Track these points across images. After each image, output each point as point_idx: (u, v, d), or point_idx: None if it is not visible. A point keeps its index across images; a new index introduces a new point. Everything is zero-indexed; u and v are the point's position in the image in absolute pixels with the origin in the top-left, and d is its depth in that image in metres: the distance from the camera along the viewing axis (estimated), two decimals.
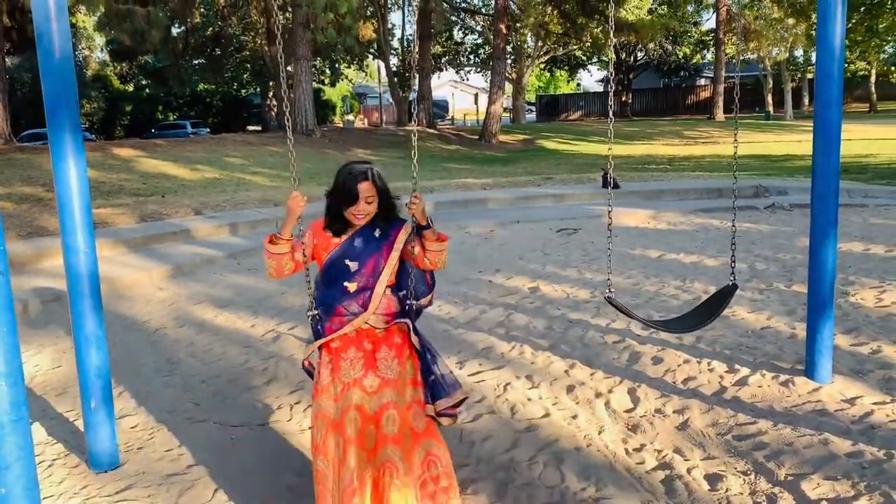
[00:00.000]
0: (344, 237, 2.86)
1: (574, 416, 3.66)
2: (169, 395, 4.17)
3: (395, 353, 2.80)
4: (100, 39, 41.76)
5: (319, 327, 2.85)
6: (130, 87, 45.74)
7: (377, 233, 2.86)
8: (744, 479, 3.00)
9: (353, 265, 2.82)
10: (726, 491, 2.92)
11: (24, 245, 8.10)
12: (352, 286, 2.82)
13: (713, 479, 3.02)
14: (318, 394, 2.74)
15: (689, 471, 3.09)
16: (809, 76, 42.09)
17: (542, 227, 9.31)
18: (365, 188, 2.76)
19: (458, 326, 5.24)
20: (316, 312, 2.87)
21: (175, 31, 31.16)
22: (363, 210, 2.78)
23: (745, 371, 4.16)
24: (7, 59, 23.65)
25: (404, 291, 2.90)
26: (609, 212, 3.67)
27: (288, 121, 2.89)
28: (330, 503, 2.61)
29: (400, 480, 2.61)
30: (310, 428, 2.75)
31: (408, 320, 2.85)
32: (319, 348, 2.84)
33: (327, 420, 2.68)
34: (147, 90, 44.59)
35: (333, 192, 2.82)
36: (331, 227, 2.86)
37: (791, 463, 3.11)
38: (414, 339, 2.83)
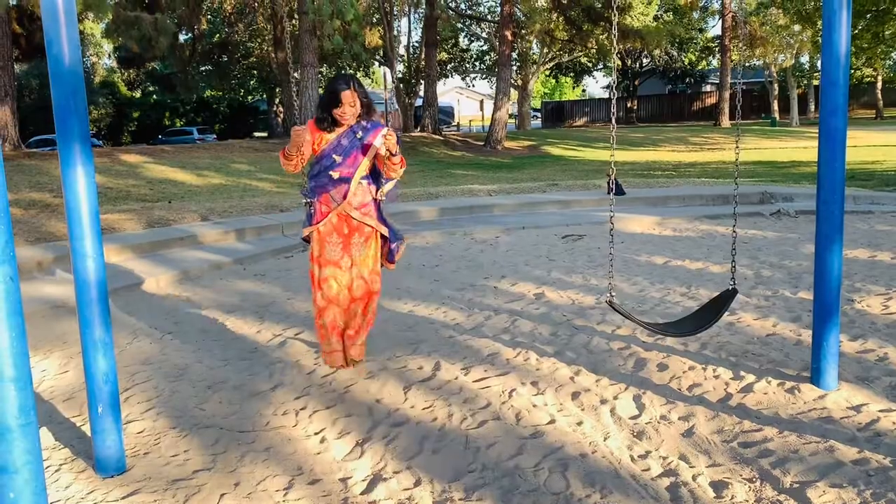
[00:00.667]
0: (333, 135, 3.96)
1: (579, 423, 3.66)
2: (175, 400, 4.18)
3: (364, 239, 4.09)
4: (108, 46, 42.04)
5: (312, 211, 4.07)
6: (138, 94, 46.01)
7: (359, 134, 3.96)
8: (749, 487, 3.00)
9: (338, 158, 3.94)
10: (732, 498, 2.92)
11: (33, 250, 8.14)
12: (335, 174, 3.95)
13: (718, 487, 3.01)
14: (312, 261, 4.15)
15: (694, 478, 3.09)
16: (815, 83, 42.04)
17: (548, 234, 9.32)
18: (347, 95, 3.86)
19: (462, 332, 5.25)
20: (309, 201, 4.06)
21: (182, 37, 31.34)
22: (347, 112, 3.89)
23: (750, 378, 4.15)
24: (16, 66, 23.80)
25: (374, 186, 4.12)
26: (611, 217, 3.69)
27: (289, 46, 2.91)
28: (325, 323, 4.21)
29: (354, 330, 4.28)
30: (310, 276, 4.22)
31: (375, 220, 4.10)
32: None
33: (316, 279, 4.12)
34: (154, 96, 44.84)
35: (323, 98, 3.93)
36: (322, 124, 3.95)
37: (797, 470, 3.11)
38: (382, 229, 4.16)
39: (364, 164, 3.97)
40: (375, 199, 4.12)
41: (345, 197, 3.97)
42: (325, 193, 3.99)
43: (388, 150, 3.85)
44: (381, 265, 4.35)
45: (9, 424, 2.15)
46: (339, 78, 3.94)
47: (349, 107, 3.87)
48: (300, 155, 3.93)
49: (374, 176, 4.11)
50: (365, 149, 3.96)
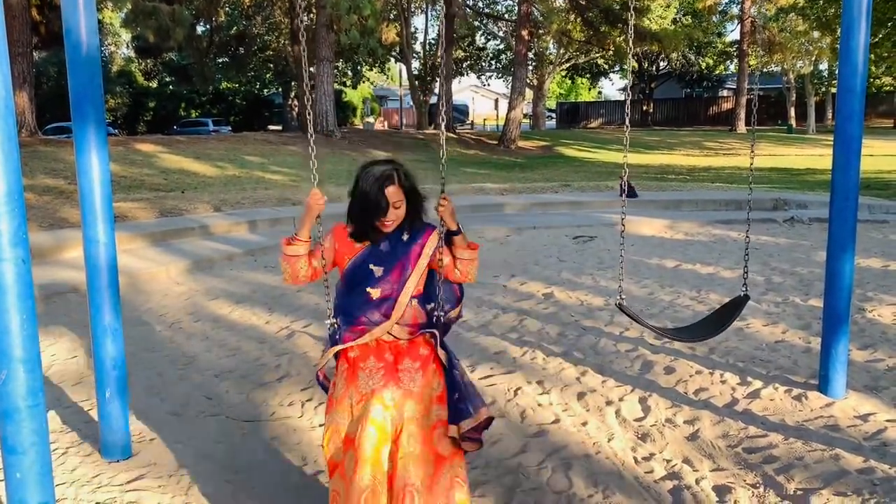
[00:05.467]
0: (368, 242, 2.64)
1: (584, 423, 3.66)
2: (182, 388, 4.21)
3: (420, 364, 2.55)
4: (125, 35, 42.22)
5: (338, 337, 2.60)
6: (154, 84, 46.19)
7: (405, 237, 2.64)
8: (752, 492, 2.99)
9: (377, 270, 2.61)
10: (735, 503, 2.91)
11: (46, 236, 8.21)
12: (375, 292, 2.59)
13: (722, 491, 3.00)
14: (332, 407, 2.54)
15: (697, 481, 3.08)
16: (833, 90, 41.68)
17: (559, 234, 9.30)
18: (392, 193, 2.53)
19: (470, 330, 5.26)
20: (335, 321, 2.63)
21: (200, 29, 31.45)
22: (391, 217, 2.55)
23: (757, 384, 4.13)
24: (35, 53, 23.99)
25: (432, 304, 2.66)
26: (622, 219, 3.68)
27: (310, 116, 2.87)
28: None
29: None
30: (322, 446, 2.56)
31: (435, 331, 2.61)
32: (336, 357, 2.60)
33: (341, 435, 2.47)
34: (171, 87, 44.99)
35: (357, 200, 2.56)
36: (355, 234, 2.63)
37: (801, 477, 3.09)
38: (441, 352, 2.60)
39: (414, 279, 2.61)
40: (433, 322, 2.64)
41: (388, 317, 2.58)
42: (360, 315, 2.59)
43: (442, 221, 2.61)
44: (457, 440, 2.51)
45: (17, 405, 2.17)
46: (377, 171, 2.55)
47: (394, 209, 2.54)
48: (309, 260, 2.62)
49: (428, 297, 2.70)
50: (415, 256, 2.63)
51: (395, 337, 2.60)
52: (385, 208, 2.52)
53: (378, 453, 2.39)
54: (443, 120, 2.94)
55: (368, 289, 2.59)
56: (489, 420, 2.56)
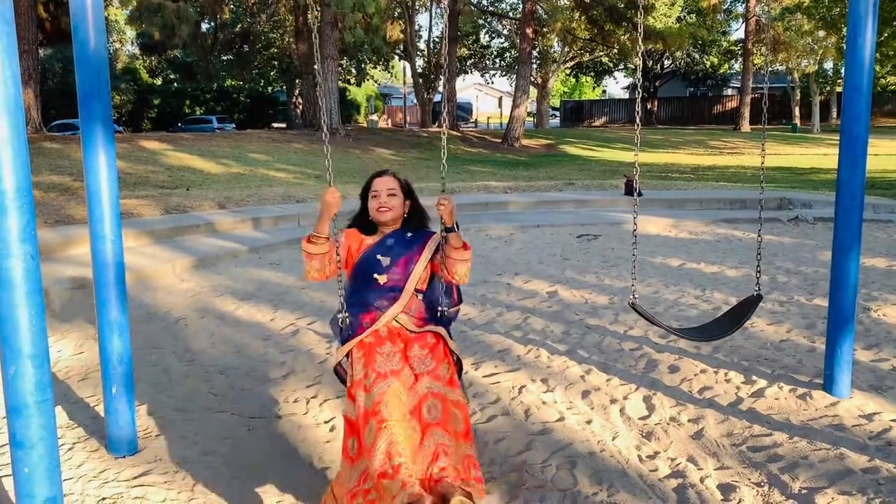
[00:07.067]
0: (377, 237, 2.99)
1: (588, 421, 3.66)
2: (188, 384, 4.23)
3: (429, 351, 2.69)
4: (131, 33, 42.28)
5: (350, 332, 2.76)
6: (159, 81, 46.24)
7: (409, 235, 3.01)
8: (757, 491, 2.99)
9: (384, 260, 2.91)
10: (739, 501, 2.91)
11: (51, 232, 8.23)
12: (382, 279, 2.87)
13: (726, 489, 3.01)
14: (352, 389, 2.58)
15: (702, 480, 3.08)
16: (838, 89, 41.61)
17: (563, 232, 9.30)
18: (384, 181, 2.99)
19: (475, 328, 5.26)
20: (346, 315, 2.78)
21: (204, 26, 31.48)
22: (385, 203, 2.94)
23: (762, 383, 4.13)
24: (40, 50, 24.04)
25: (434, 304, 2.90)
26: (634, 218, 3.68)
27: (323, 115, 2.92)
28: (376, 464, 2.32)
29: (454, 470, 2.38)
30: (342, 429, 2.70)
31: (441, 328, 2.82)
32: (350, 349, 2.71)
33: (360, 412, 2.47)
34: (175, 84, 45.04)
35: (362, 194, 3.04)
36: (360, 222, 3.02)
37: (806, 476, 3.09)
38: (451, 344, 2.82)
39: (419, 270, 2.90)
40: (438, 316, 2.91)
41: (395, 301, 2.84)
42: (369, 304, 2.84)
43: (441, 218, 2.83)
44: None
45: (26, 400, 2.19)
46: (376, 172, 3.09)
47: (387, 195, 2.94)
48: (331, 255, 2.81)
49: (432, 294, 2.99)
50: (419, 252, 2.95)
51: (401, 325, 2.80)
52: (374, 190, 2.97)
53: (402, 415, 2.45)
54: (444, 121, 3.18)
55: (376, 275, 2.88)
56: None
